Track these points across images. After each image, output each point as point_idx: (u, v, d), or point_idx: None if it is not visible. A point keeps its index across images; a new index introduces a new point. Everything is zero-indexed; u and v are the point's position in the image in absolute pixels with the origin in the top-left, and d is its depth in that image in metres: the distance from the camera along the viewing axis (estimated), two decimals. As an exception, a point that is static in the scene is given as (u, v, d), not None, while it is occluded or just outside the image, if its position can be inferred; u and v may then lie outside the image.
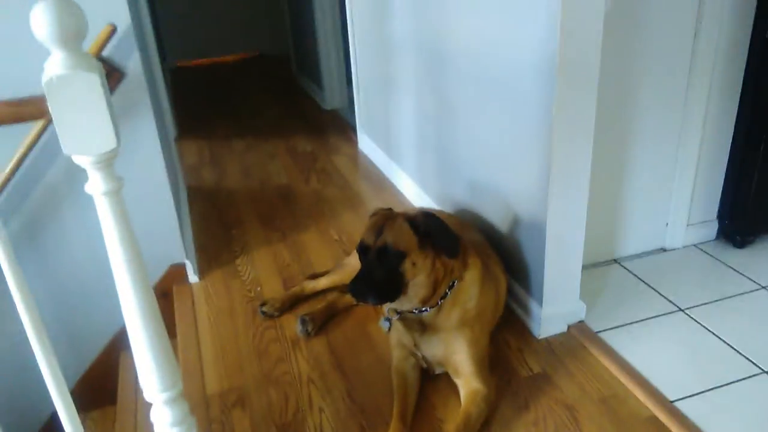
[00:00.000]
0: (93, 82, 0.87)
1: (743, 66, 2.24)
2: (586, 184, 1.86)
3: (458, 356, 1.71)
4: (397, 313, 1.73)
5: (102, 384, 2.42)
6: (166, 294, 2.48)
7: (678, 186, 2.36)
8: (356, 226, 2.86)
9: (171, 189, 2.45)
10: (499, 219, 2.17)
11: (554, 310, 2.00)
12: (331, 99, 4.89)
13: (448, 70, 2.38)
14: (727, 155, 2.38)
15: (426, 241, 1.62)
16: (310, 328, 2.08)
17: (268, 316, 2.21)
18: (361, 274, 1.60)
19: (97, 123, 0.90)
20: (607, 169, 2.20)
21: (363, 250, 1.65)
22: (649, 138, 2.24)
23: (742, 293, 2.18)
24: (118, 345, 2.46)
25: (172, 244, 2.49)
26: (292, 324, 2.15)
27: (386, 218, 1.65)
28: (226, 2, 6.81)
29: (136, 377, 1.17)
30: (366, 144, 3.83)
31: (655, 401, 1.70)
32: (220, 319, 2.25)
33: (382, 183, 3.38)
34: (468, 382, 1.70)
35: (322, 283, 2.29)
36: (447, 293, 1.70)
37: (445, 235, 1.63)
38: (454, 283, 1.71)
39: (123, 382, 2.27)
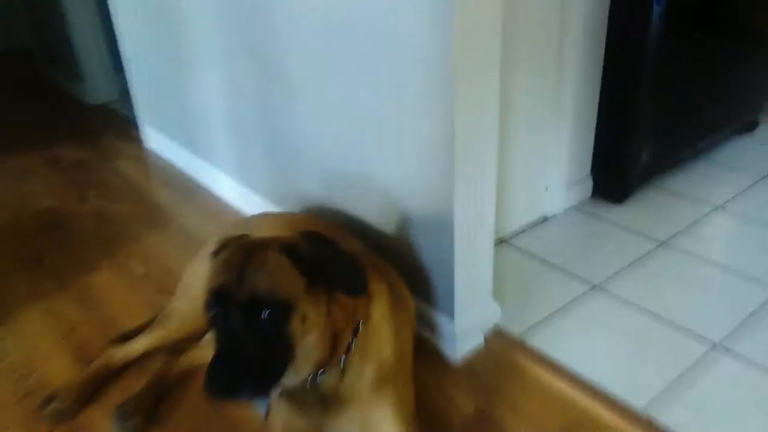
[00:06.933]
0: None
1: (606, 20, 2.01)
2: (494, 161, 1.41)
3: (384, 429, 1.16)
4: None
5: None
6: None
7: (555, 148, 2.06)
8: (168, 251, 2.12)
9: None
10: (378, 217, 1.62)
11: (468, 321, 1.54)
12: (94, 91, 3.89)
13: (276, 21, 1.75)
14: (596, 114, 2.15)
15: (315, 277, 1.02)
16: (134, 424, 1.37)
17: (60, 417, 1.43)
18: (222, 355, 0.93)
19: None
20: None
21: (217, 306, 0.97)
22: (523, 104, 1.89)
23: (646, 254, 1.93)
24: None
25: None
26: (104, 422, 1.41)
27: (249, 250, 1.01)
28: None
29: None
30: (156, 140, 3.02)
31: (627, 419, 1.33)
32: (-22, 438, 1.42)
33: (189, 187, 2.63)
34: (401, 462, 1.16)
35: (140, 345, 1.56)
36: (352, 343, 1.12)
37: (344, 266, 1.04)
38: (359, 325, 1.14)
39: None
